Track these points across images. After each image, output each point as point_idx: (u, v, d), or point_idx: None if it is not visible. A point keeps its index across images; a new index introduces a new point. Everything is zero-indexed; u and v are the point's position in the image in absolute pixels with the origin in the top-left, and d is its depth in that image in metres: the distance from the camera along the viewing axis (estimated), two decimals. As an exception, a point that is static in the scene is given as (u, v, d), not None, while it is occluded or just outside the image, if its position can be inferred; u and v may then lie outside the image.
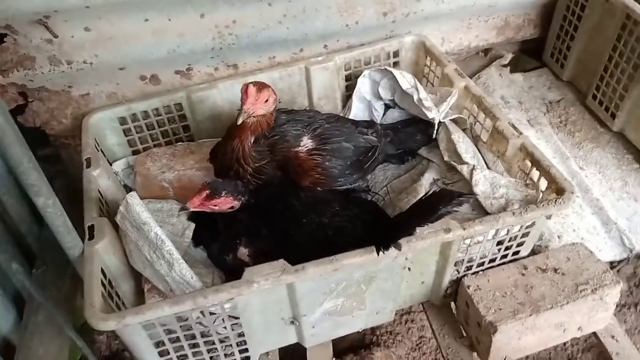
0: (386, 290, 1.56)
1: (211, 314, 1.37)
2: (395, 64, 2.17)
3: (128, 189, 1.98)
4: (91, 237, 1.44)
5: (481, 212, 1.65)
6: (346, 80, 2.15)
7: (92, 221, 1.49)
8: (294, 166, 1.68)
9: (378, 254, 1.34)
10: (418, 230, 1.35)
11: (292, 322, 1.55)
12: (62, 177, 2.11)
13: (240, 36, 1.93)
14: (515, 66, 2.50)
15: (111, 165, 1.97)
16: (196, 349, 1.47)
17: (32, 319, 1.78)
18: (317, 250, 1.50)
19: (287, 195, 1.63)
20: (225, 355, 1.53)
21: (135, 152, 2.06)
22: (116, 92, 2.00)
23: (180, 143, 2.07)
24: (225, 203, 1.57)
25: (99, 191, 1.66)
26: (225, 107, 2.02)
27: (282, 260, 1.35)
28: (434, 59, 2.04)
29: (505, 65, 2.45)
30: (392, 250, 1.33)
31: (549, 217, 1.57)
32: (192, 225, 1.74)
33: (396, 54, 2.15)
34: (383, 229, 1.42)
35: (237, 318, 1.41)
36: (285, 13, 1.93)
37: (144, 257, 1.44)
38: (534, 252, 1.70)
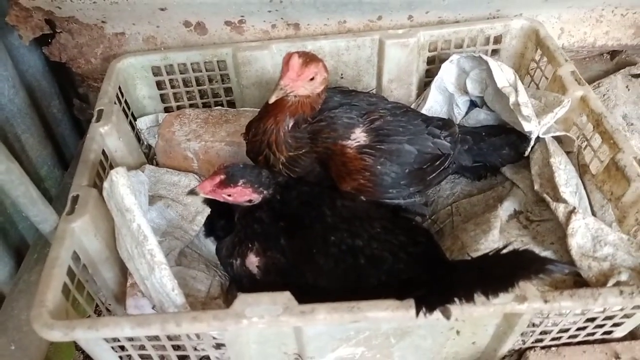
0: (423, 347, 1.19)
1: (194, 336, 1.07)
2: (495, 53, 1.73)
3: (152, 151, 1.72)
4: (71, 211, 1.17)
5: (572, 270, 1.21)
6: (428, 64, 1.74)
7: (78, 190, 1.22)
8: (337, 164, 1.33)
9: (417, 315, 0.97)
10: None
11: (297, 359, 1.23)
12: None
13: (306, -10, 1.56)
14: (648, 79, 1.95)
15: (135, 120, 1.71)
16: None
17: (24, 276, 1.60)
18: (341, 280, 1.16)
19: (320, 199, 1.29)
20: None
21: (168, 110, 1.79)
22: (155, 36, 1.72)
23: (218, 107, 1.77)
24: (242, 194, 1.26)
25: (104, 152, 1.39)
26: (277, 75, 1.66)
27: (287, 294, 1.01)
28: (547, 54, 1.57)
29: (636, 76, 1.91)
30: (437, 314, 0.96)
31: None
32: (207, 211, 1.46)
33: (498, 39, 1.70)
34: (432, 277, 1.04)
35: (223, 345, 1.11)
36: (366, -32, 1.53)
37: (126, 248, 1.16)
38: (633, 335, 1.26)
